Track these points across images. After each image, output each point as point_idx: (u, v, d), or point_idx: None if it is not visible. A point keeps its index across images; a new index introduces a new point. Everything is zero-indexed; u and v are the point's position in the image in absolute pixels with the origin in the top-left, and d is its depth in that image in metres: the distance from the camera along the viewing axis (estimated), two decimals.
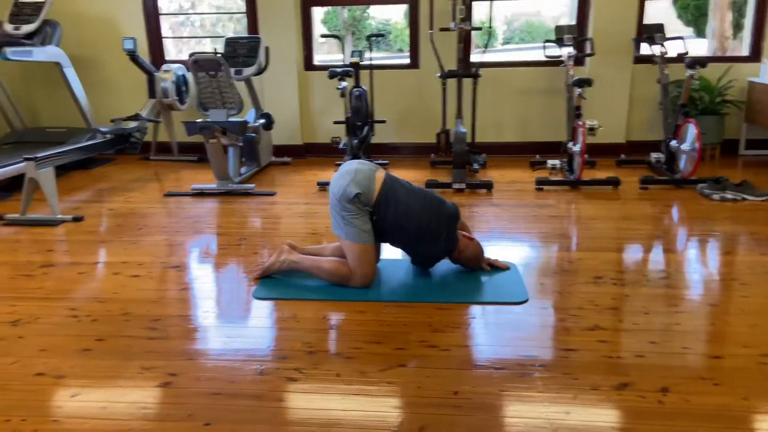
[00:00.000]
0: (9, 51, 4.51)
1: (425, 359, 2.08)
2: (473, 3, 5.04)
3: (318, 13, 5.79)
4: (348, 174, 2.61)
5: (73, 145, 4.77)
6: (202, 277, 2.85)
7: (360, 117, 4.85)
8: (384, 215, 2.61)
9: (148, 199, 4.27)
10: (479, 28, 5.00)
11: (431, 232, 2.66)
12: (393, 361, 2.07)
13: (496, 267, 2.87)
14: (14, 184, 4.37)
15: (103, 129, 5.11)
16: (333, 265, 2.67)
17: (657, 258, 2.99)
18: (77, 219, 3.76)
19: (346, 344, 2.19)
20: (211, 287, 2.74)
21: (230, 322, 2.39)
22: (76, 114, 5.58)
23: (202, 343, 2.22)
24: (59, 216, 3.75)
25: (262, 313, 2.47)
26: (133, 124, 5.27)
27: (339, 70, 4.56)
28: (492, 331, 2.27)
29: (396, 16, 13.77)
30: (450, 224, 2.70)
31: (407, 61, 5.54)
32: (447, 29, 4.77)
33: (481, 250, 2.83)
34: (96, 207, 4.10)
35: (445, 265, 2.90)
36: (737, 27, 9.45)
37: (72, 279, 2.84)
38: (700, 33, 10.30)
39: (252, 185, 4.44)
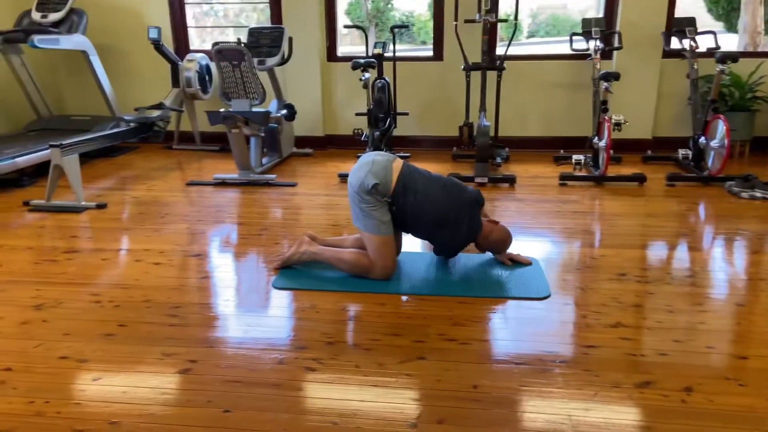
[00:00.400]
0: (36, 39, 4.57)
1: (444, 352, 2.06)
2: None
3: (342, 4, 5.77)
4: (365, 165, 2.60)
5: (98, 133, 4.83)
6: (223, 266, 2.87)
7: (382, 109, 4.83)
8: (402, 205, 2.59)
9: (170, 188, 4.30)
10: (505, 20, 4.94)
11: (452, 220, 2.64)
12: (412, 353, 2.06)
13: (518, 262, 2.84)
14: (39, 170, 4.44)
15: (127, 117, 5.17)
16: (353, 256, 2.66)
17: (682, 256, 2.94)
18: (101, 206, 3.81)
19: (365, 336, 2.19)
20: (231, 276, 2.76)
21: (250, 311, 2.40)
22: (100, 102, 5.65)
23: (222, 331, 2.23)
24: (83, 203, 3.80)
25: (281, 303, 2.47)
26: (156, 113, 5.32)
27: (362, 61, 4.54)
28: (513, 326, 2.25)
29: (420, 8, 13.68)
30: (472, 210, 2.67)
31: (431, 53, 5.49)
32: (472, 21, 4.71)
33: (507, 234, 2.79)
34: (119, 195, 4.14)
35: (466, 259, 2.88)
36: None
37: (95, 265, 2.88)
38: (730, 28, 10.07)
39: (273, 176, 4.45)
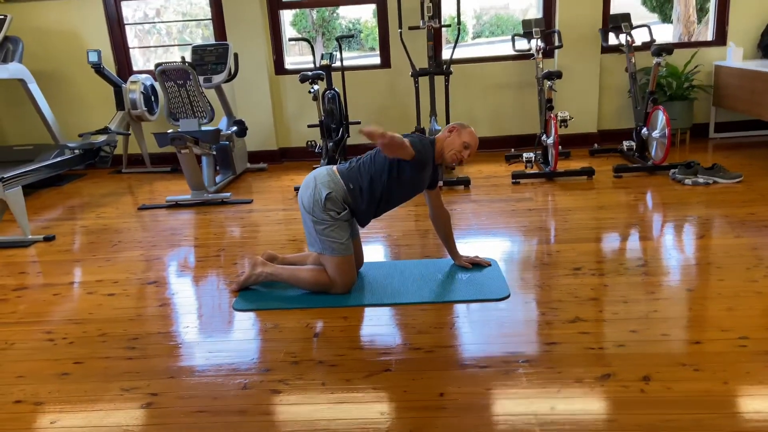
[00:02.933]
0: None
1: (410, 362, 2.07)
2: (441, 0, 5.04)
3: (287, 15, 5.74)
4: (310, 182, 2.61)
5: (41, 163, 4.68)
6: (181, 292, 2.81)
7: (334, 119, 4.82)
8: (360, 192, 2.59)
9: (121, 214, 4.20)
10: (448, 25, 5.00)
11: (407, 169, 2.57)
12: (378, 366, 2.06)
13: (477, 264, 2.87)
14: None
15: (71, 144, 5.02)
16: (311, 274, 2.65)
17: (634, 246, 3.03)
18: (49, 238, 3.68)
19: (330, 352, 2.18)
20: (190, 301, 2.71)
21: (211, 336, 2.36)
22: (43, 130, 5.47)
23: (183, 360, 2.19)
24: (30, 236, 3.66)
25: (243, 325, 2.44)
26: (102, 138, 5.18)
27: (310, 74, 4.54)
28: (476, 329, 2.28)
29: (366, 14, 13.73)
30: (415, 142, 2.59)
31: (378, 60, 5.52)
32: (416, 28, 4.76)
33: (460, 135, 2.65)
34: (68, 225, 4.02)
35: (426, 265, 2.90)
36: (701, 11, 9.59)
37: (46, 301, 2.78)
38: (665, 19, 10.45)
39: (228, 194, 4.39)
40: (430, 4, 4.63)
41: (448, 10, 5.43)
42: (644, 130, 4.48)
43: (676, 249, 2.95)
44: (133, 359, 2.20)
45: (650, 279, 2.62)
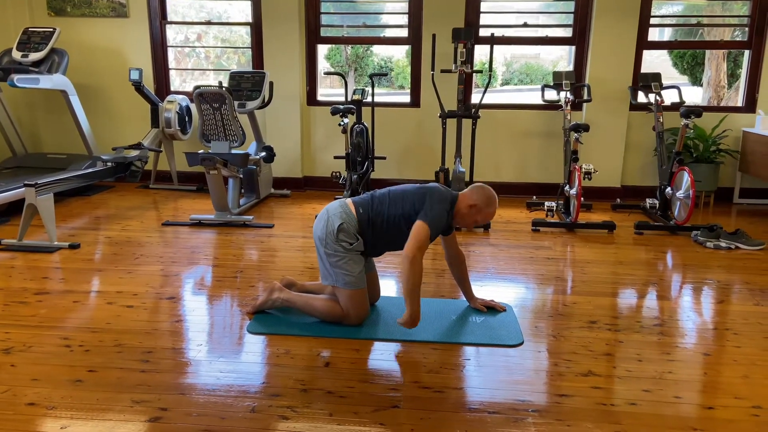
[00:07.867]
0: (16, 78, 4.58)
1: (419, 401, 2.07)
2: (475, 45, 5.15)
3: (322, 49, 5.90)
4: (323, 215, 2.66)
5: (74, 172, 4.80)
6: (197, 310, 2.85)
7: (360, 153, 4.91)
8: (373, 225, 2.62)
9: (145, 228, 4.28)
10: (480, 71, 5.11)
11: (417, 210, 2.59)
12: (386, 401, 2.06)
13: (492, 308, 2.87)
14: (12, 208, 4.38)
15: (104, 157, 5.15)
16: (325, 305, 2.67)
17: (651, 304, 3.01)
18: (73, 246, 3.77)
19: (340, 383, 2.18)
20: (205, 320, 2.74)
21: (223, 356, 2.38)
22: (78, 141, 5.64)
23: (194, 377, 2.21)
24: (56, 243, 3.75)
25: (255, 348, 2.46)
26: (134, 153, 5.32)
27: (341, 107, 4.64)
28: (486, 374, 2.27)
29: (398, 53, 14.00)
30: (432, 194, 2.62)
31: (408, 98, 5.63)
32: (448, 71, 4.87)
33: (484, 195, 2.68)
34: (93, 234, 4.10)
35: (441, 305, 2.91)
36: (732, 77, 9.64)
37: (66, 307, 2.83)
38: (695, 81, 10.51)
39: (250, 217, 4.46)
40: (464, 50, 4.74)
41: (479, 56, 5.54)
42: (668, 190, 4.49)
43: (693, 311, 2.93)
44: (146, 372, 2.23)
45: (666, 339, 2.60)
